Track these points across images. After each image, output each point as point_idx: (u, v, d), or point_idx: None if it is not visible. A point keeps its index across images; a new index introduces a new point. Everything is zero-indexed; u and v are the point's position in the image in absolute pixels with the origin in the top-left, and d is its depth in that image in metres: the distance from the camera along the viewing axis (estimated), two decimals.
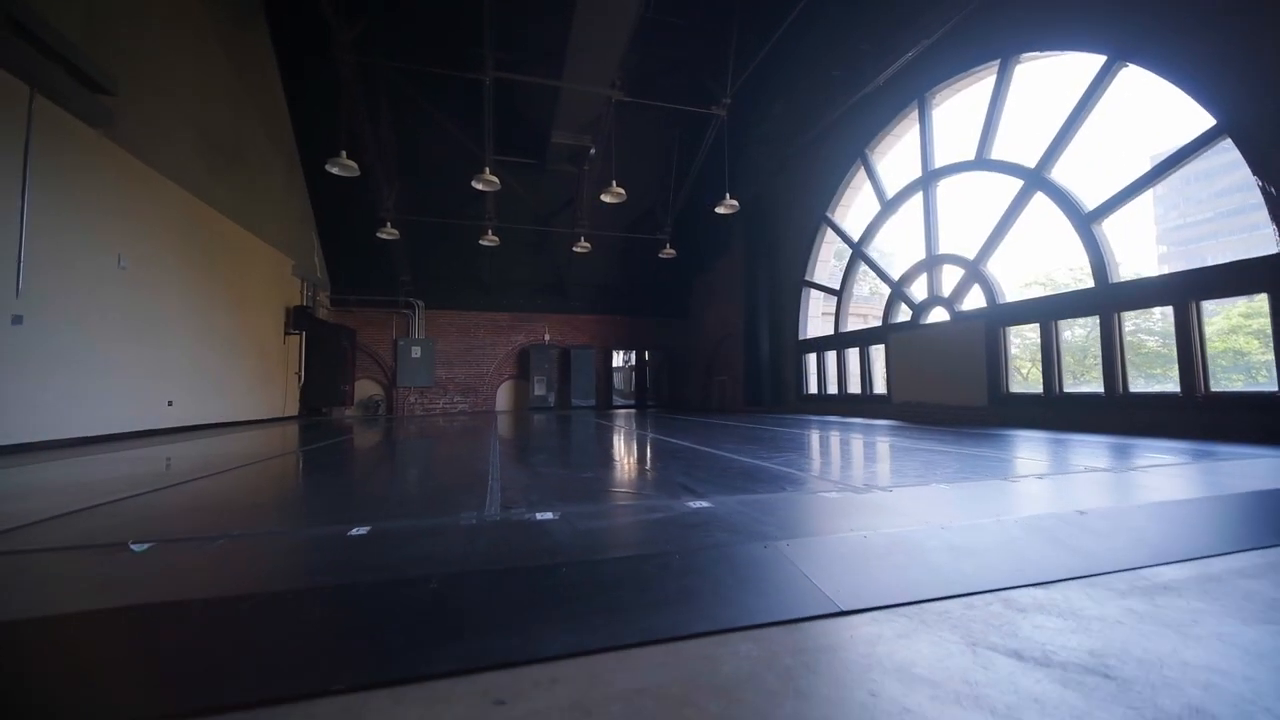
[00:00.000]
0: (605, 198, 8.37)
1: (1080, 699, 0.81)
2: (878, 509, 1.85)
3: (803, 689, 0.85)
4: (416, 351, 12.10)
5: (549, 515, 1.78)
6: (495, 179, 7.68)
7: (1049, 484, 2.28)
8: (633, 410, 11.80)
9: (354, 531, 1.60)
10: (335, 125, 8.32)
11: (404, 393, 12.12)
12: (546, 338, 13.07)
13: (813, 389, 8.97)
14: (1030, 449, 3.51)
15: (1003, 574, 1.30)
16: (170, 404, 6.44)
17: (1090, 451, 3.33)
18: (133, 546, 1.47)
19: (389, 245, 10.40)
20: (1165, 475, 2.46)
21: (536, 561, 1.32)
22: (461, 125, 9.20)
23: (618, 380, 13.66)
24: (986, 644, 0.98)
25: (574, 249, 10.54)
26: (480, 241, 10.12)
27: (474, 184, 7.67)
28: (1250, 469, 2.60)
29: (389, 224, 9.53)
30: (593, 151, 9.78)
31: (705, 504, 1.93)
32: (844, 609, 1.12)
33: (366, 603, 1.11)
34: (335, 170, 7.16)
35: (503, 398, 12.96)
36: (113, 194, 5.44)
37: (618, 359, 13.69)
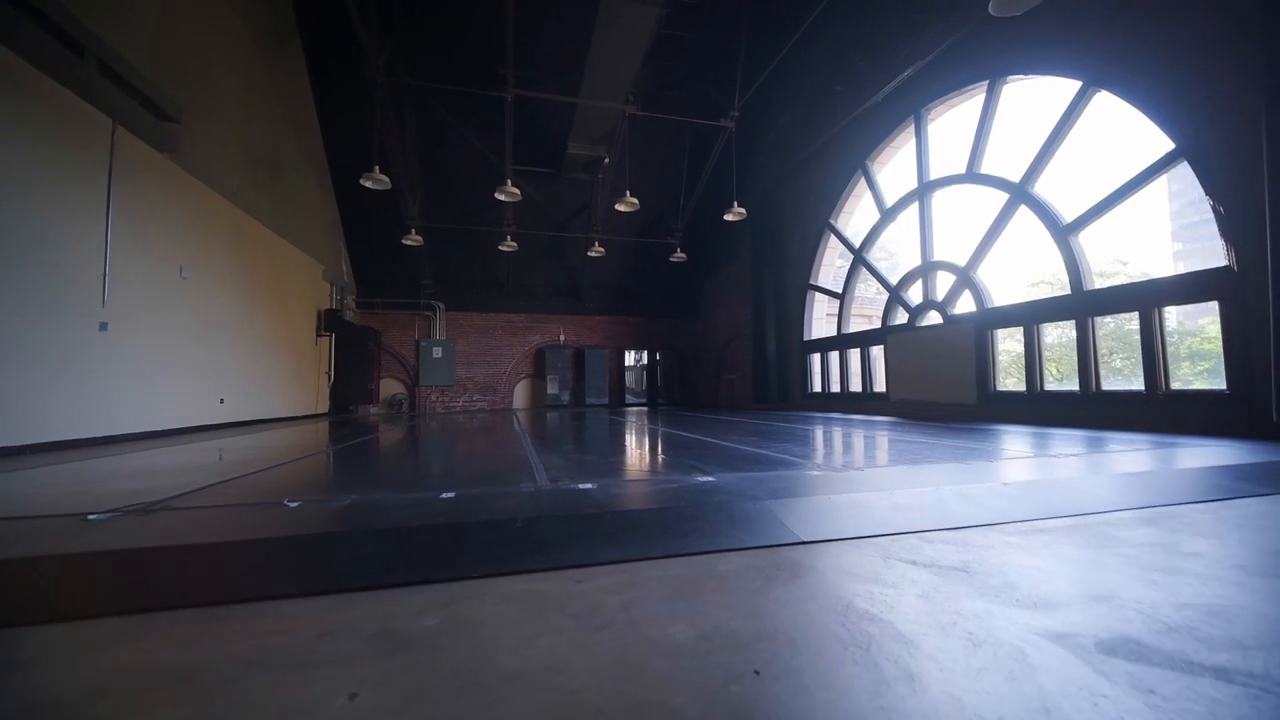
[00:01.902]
0: (620, 207, 8.87)
1: (941, 580, 1.29)
2: (848, 482, 2.33)
3: (770, 575, 1.34)
4: (438, 352, 12.69)
5: (589, 485, 2.29)
6: (517, 191, 8.20)
7: (994, 465, 2.74)
8: (644, 408, 12.30)
9: (444, 495, 2.12)
10: (363, 136, 8.93)
11: (426, 391, 12.71)
12: (561, 338, 13.60)
13: (817, 387, 9.41)
14: (998, 441, 3.96)
15: (926, 522, 1.78)
16: (222, 401, 7.04)
17: (1049, 443, 3.77)
18: (287, 503, 2.00)
19: (411, 249, 10.98)
20: (1094, 459, 2.91)
21: (586, 511, 1.83)
22: (482, 137, 9.73)
23: (630, 379, 14.16)
24: (896, 557, 1.47)
25: (588, 253, 11.07)
26: (500, 247, 10.67)
27: (497, 195, 8.20)
28: (1169, 454, 3.04)
29: (413, 231, 10.12)
30: (606, 161, 10.29)
31: (711, 479, 2.42)
32: (805, 539, 1.62)
33: (476, 533, 1.62)
34: (369, 184, 7.72)
35: (519, 396, 13.52)
36: (176, 211, 6.03)
37: (629, 358, 14.18)
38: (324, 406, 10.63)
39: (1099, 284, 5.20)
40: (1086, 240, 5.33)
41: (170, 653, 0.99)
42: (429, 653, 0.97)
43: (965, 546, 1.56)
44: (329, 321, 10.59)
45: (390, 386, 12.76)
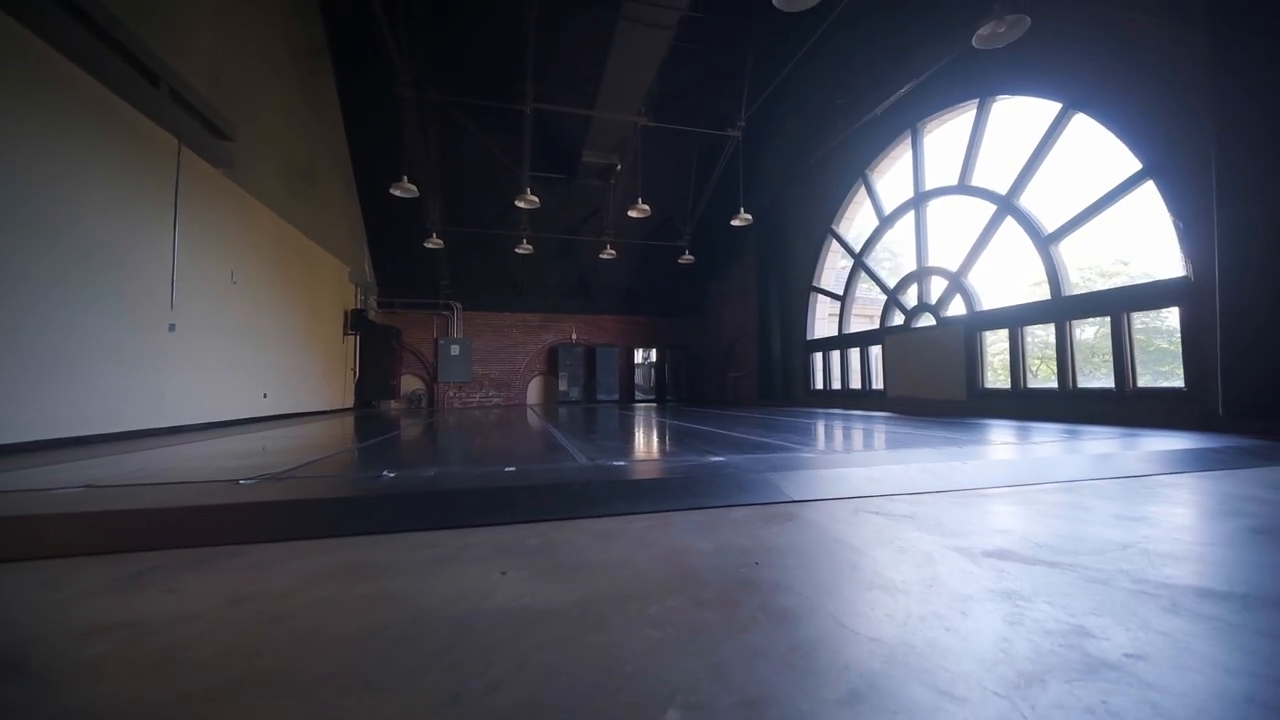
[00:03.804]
0: (632, 213, 9.36)
1: (891, 522, 1.78)
2: (836, 462, 2.82)
3: (768, 519, 1.84)
4: (455, 350, 13.24)
5: (621, 463, 2.79)
6: (535, 199, 8.71)
7: (962, 450, 3.21)
8: (653, 404, 12.80)
9: (507, 469, 2.62)
10: (386, 141, 9.50)
11: (444, 387, 13.28)
12: (573, 337, 14.13)
13: (819, 385, 9.87)
14: (976, 433, 4.42)
15: (891, 489, 2.27)
16: (265, 396, 7.61)
17: (1020, 434, 4.23)
18: (386, 473, 2.52)
19: (430, 251, 11.52)
20: (1050, 447, 3.38)
21: (624, 479, 2.32)
22: (501, 145, 10.24)
23: (638, 376, 14.66)
24: (863, 510, 1.96)
25: (600, 255, 11.57)
26: (516, 250, 11.19)
27: (517, 203, 8.72)
28: (1121, 443, 3.50)
29: (434, 235, 10.66)
30: (619, 167, 10.78)
31: (721, 459, 2.91)
32: (795, 499, 2.11)
33: (546, 492, 2.12)
34: (398, 193, 8.26)
35: (533, 392, 14.06)
36: (228, 222, 6.58)
37: (638, 356, 14.68)
38: (349, 402, 11.20)
39: (1100, 284, 5.64)
40: (1087, 242, 5.77)
41: (359, 556, 1.50)
42: (539, 555, 1.47)
43: (917, 504, 2.05)
44: (354, 321, 11.16)
45: (410, 383, 13.34)
